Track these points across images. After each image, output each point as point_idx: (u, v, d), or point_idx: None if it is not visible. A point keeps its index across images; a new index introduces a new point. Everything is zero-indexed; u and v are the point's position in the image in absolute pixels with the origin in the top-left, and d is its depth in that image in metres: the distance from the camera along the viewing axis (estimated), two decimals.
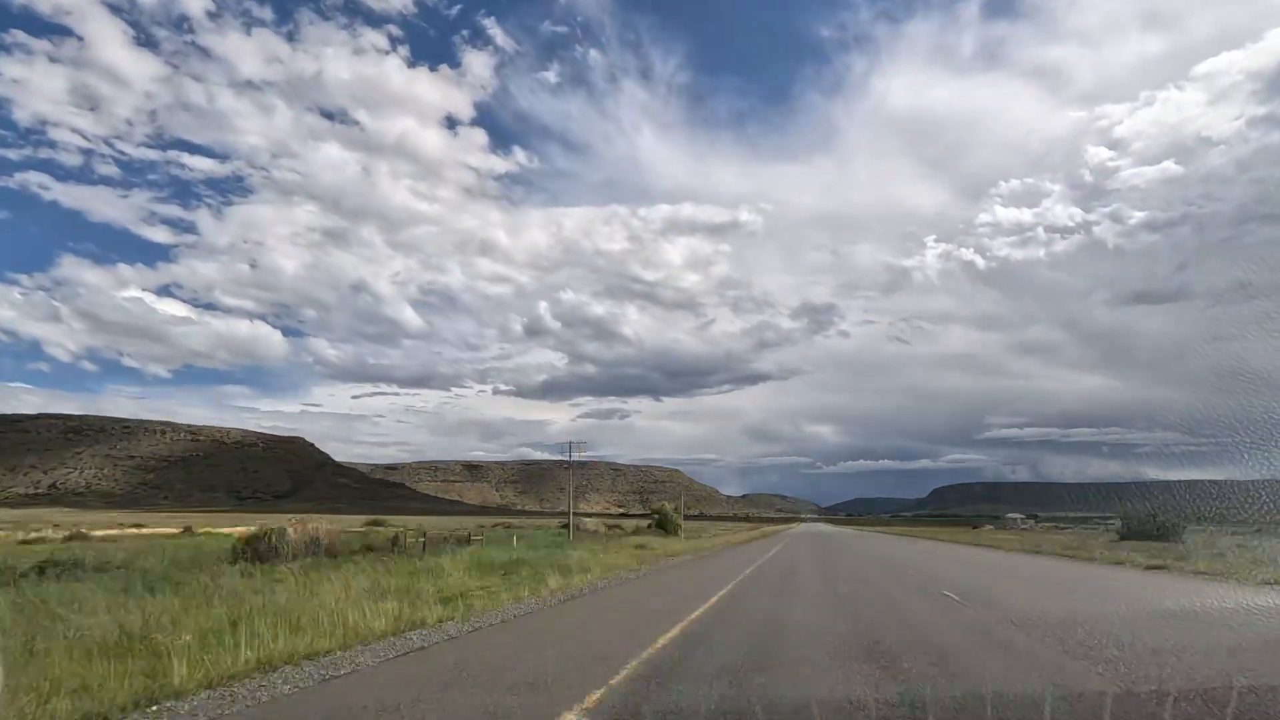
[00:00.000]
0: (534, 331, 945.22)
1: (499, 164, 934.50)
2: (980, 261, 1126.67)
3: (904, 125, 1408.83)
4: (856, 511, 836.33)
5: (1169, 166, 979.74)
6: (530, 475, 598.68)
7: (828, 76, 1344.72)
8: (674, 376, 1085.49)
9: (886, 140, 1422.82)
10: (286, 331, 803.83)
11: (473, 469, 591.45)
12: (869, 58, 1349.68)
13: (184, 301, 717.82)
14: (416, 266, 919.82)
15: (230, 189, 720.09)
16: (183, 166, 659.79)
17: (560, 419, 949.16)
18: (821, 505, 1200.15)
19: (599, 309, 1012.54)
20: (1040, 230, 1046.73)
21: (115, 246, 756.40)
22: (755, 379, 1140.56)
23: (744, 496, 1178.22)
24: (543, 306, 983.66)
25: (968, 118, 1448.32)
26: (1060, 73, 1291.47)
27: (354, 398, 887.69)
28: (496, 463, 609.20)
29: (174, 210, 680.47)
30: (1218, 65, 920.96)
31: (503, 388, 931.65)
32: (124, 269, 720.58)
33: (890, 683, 6.53)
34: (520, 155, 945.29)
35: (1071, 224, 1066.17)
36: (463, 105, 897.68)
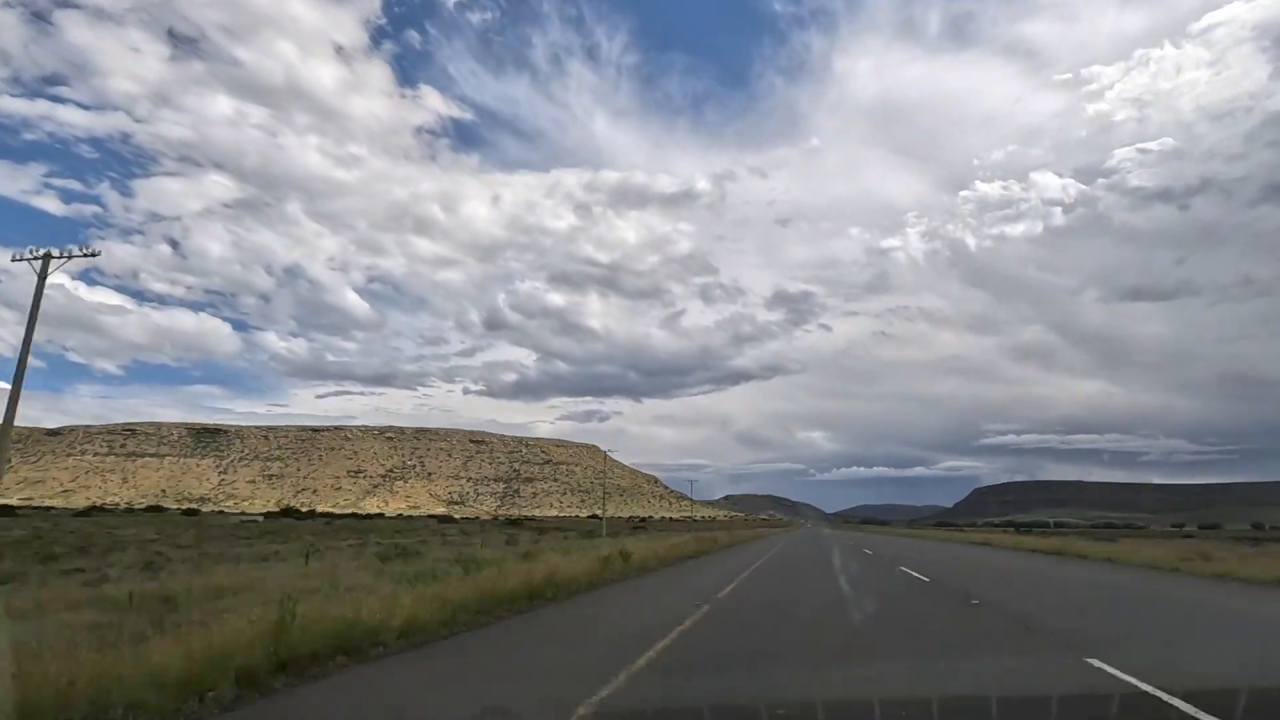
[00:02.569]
0: (494, 325, 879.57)
1: (413, 112, 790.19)
2: (971, 240, 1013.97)
3: (873, 108, 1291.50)
4: (872, 519, 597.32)
5: (1166, 140, 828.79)
6: (304, 448, 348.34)
7: (786, 56, 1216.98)
8: (651, 375, 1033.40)
9: (856, 124, 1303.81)
10: (236, 325, 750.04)
11: (207, 436, 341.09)
12: (828, 36, 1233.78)
13: (111, 288, 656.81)
14: (352, 248, 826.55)
15: (122, 151, 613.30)
16: (57, 122, 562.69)
17: (543, 420, 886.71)
18: (827, 511, 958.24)
19: (558, 298, 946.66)
20: (1038, 202, 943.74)
21: (15, 224, 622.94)
22: (737, 378, 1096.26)
23: (726, 498, 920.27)
24: (500, 298, 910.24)
25: (943, 96, 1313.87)
26: (1042, 40, 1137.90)
27: (318, 397, 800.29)
28: (257, 428, 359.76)
29: (73, 184, 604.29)
30: (1218, 18, 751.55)
31: (472, 387, 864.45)
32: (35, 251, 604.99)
33: None
34: (435, 99, 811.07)
35: (1068, 198, 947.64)
36: (351, 29, 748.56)
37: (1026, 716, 5.19)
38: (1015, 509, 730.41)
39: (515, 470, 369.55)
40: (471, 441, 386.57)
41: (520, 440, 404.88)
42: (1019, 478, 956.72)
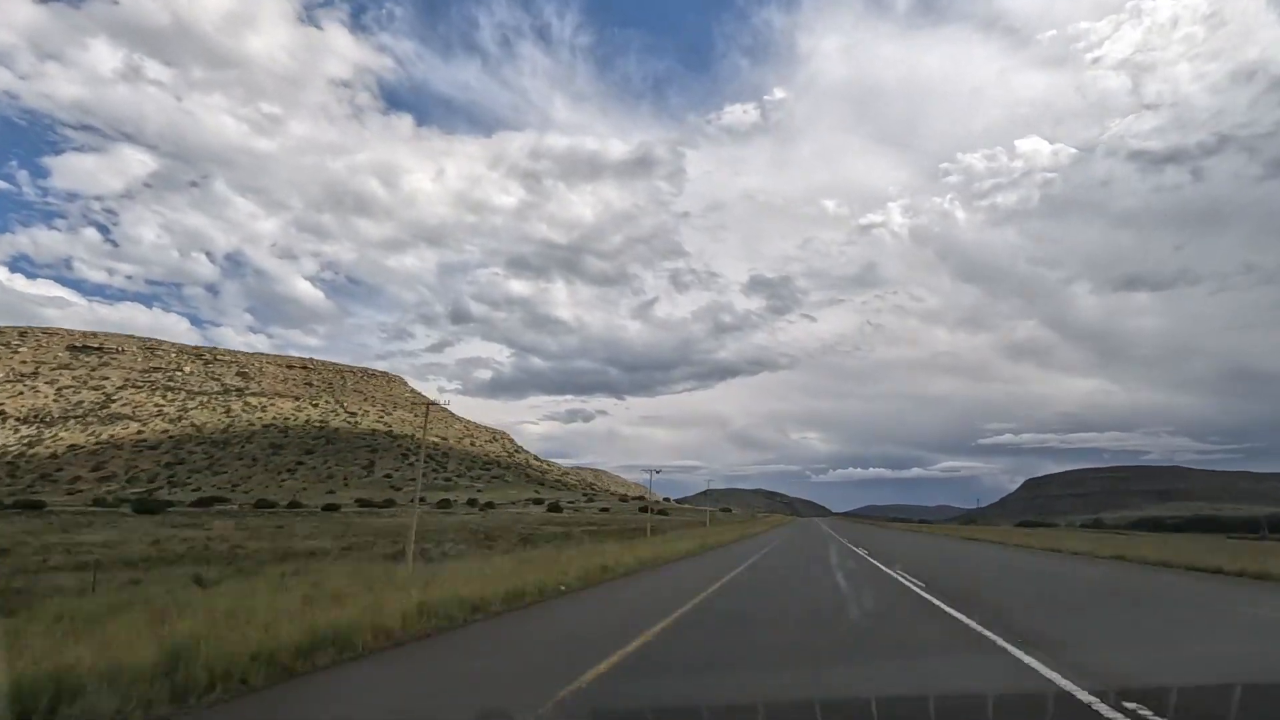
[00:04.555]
0: (460, 317, 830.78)
1: (325, 60, 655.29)
2: (960, 214, 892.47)
3: (846, 88, 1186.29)
4: (900, 519, 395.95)
5: (1163, 106, 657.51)
6: None
7: (748, 34, 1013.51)
8: (631, 371, 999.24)
9: (829, 105, 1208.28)
10: (194, 321, 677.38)
11: None
12: (789, 14, 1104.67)
13: (47, 279, 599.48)
14: (293, 231, 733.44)
15: (12, 115, 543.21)
16: None
17: (527, 421, 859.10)
18: (832, 510, 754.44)
19: (520, 285, 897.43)
20: (1035, 172, 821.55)
21: None
22: (722, 373, 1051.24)
23: (704, 493, 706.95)
24: (462, 287, 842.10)
25: (921, 71, 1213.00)
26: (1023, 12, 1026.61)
27: None
28: None
29: None
30: None
31: (447, 386, 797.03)
32: None
33: None
34: (346, 43, 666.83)
35: (1064, 162, 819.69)
36: None
37: None
38: (1099, 505, 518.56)
39: (105, 400, 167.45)
40: (70, 349, 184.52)
41: (204, 352, 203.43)
42: (1091, 463, 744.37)
